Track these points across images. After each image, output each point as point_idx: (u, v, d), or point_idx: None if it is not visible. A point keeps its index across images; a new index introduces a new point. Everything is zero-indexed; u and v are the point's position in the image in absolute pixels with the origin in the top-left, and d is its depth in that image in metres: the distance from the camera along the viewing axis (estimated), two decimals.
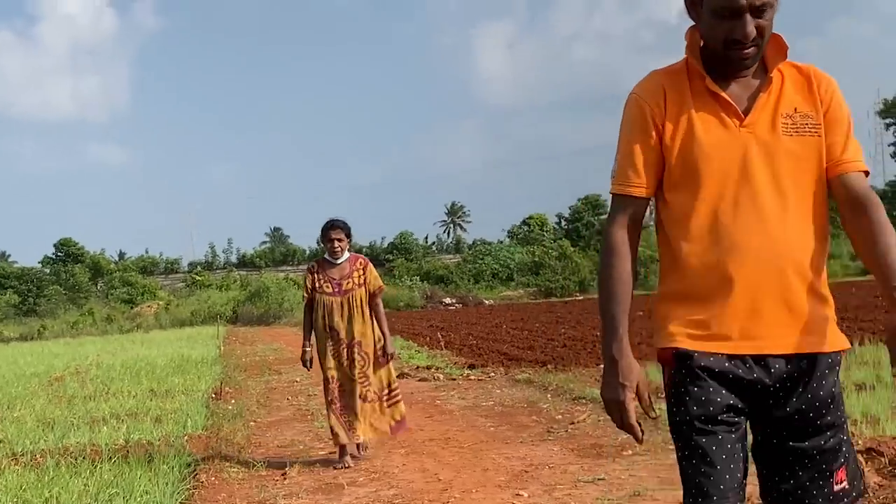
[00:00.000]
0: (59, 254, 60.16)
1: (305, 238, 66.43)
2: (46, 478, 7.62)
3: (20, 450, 9.12)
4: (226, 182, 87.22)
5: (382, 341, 8.30)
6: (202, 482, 7.55)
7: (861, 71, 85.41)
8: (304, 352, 8.53)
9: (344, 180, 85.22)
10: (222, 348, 22.60)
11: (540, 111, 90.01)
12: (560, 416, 9.97)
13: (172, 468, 7.79)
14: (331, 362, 8.16)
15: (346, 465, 7.98)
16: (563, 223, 59.53)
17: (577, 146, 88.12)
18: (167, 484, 7.16)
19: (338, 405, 8.14)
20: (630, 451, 7.98)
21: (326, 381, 8.18)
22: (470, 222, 75.66)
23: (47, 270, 57.55)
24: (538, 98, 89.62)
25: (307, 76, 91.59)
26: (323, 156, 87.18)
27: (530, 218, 59.00)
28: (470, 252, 59.67)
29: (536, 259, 53.58)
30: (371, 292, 8.28)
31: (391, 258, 60.20)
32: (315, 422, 10.81)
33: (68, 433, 10.02)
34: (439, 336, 19.15)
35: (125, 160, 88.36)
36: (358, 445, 8.28)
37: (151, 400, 13.01)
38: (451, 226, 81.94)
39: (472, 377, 14.20)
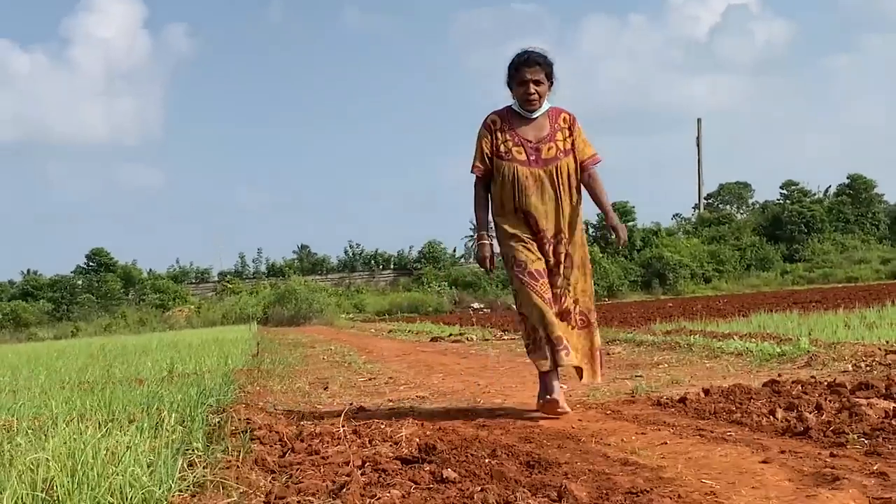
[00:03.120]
0: (91, 264, 60.50)
1: (333, 248, 66.40)
2: (96, 391, 7.79)
3: (67, 379, 9.30)
4: (256, 199, 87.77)
5: (606, 219, 5.83)
6: (247, 392, 7.72)
7: (892, 88, 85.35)
8: (481, 245, 5.92)
9: (370, 198, 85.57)
10: (256, 332, 22.81)
11: None
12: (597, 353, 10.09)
13: (218, 382, 7.95)
14: (531, 256, 5.57)
15: (554, 396, 5.50)
16: (592, 230, 59.30)
17: (604, 160, 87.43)
18: (213, 389, 7.30)
19: (553, 312, 5.50)
20: (666, 365, 8.11)
21: (532, 276, 5.51)
22: (493, 235, 74.94)
23: (79, 280, 57.91)
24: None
25: (337, 96, 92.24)
26: (351, 175, 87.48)
27: None
28: (499, 259, 59.59)
29: None
30: (582, 163, 5.67)
31: (419, 266, 60.25)
32: (354, 364, 10.98)
33: (112, 369, 10.20)
34: (471, 311, 19.33)
35: (157, 180, 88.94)
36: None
37: (190, 357, 13.20)
38: None
39: (506, 338, 14.35)
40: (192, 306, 50.11)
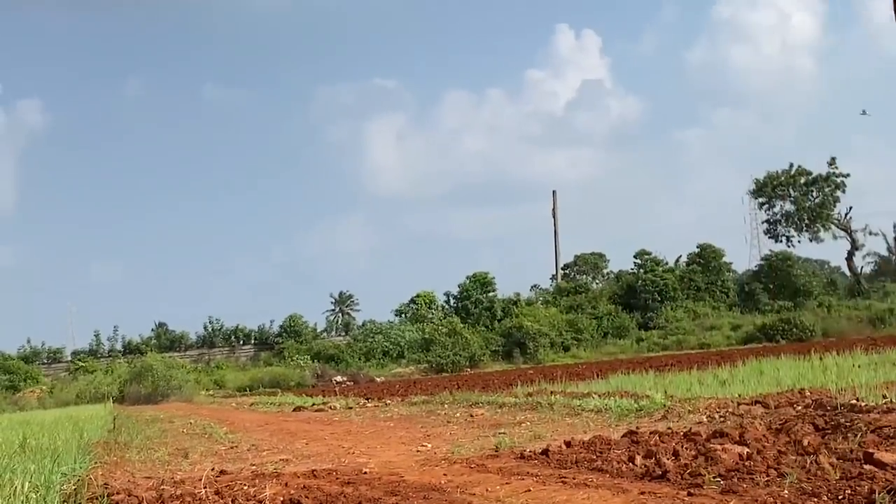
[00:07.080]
0: None
1: (193, 325, 64.87)
2: None
3: None
4: (112, 277, 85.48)
5: None
6: (105, 462, 7.49)
7: (739, 160, 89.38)
8: None
9: (230, 273, 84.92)
10: (113, 409, 22.12)
11: (428, 201, 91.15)
12: (458, 415, 10.15)
13: (73, 453, 7.70)
14: None
15: None
16: (452, 301, 59.76)
17: (465, 233, 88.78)
18: (68, 459, 7.07)
19: None
20: (529, 423, 8.21)
21: None
22: (359, 310, 75.11)
23: None
24: (426, 188, 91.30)
25: (196, 171, 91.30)
26: (210, 250, 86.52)
27: (418, 296, 59.17)
28: (360, 331, 59.51)
29: (427, 336, 53.64)
30: None
31: (280, 341, 59.61)
32: (215, 435, 10.76)
33: None
34: (334, 384, 19.16)
35: (7, 258, 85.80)
36: None
37: (43, 433, 12.72)
38: (340, 314, 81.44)
39: (370, 405, 14.28)
40: (45, 387, 48.34)
